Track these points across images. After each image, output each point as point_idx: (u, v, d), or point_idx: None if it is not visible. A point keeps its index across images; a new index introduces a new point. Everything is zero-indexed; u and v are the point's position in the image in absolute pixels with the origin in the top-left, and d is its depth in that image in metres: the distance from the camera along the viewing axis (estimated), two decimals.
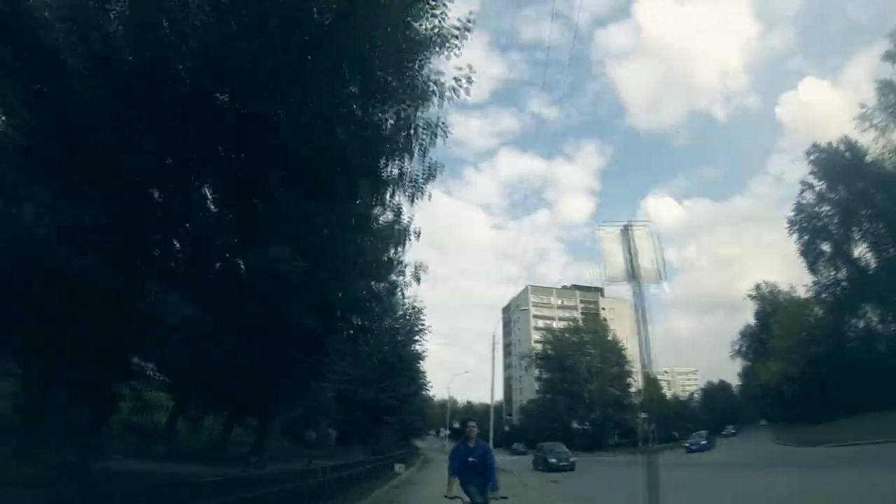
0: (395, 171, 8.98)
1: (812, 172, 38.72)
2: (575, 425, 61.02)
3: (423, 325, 33.92)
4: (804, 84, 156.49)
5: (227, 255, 7.90)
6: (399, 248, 11.12)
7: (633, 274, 5.65)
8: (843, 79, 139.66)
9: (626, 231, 5.84)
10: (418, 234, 10.47)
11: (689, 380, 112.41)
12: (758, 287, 60.09)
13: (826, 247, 40.11)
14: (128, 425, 14.22)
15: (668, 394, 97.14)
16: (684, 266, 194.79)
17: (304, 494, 11.09)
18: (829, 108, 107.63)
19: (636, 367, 78.70)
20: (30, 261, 5.64)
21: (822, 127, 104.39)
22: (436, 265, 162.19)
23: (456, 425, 73.98)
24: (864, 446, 22.74)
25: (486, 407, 59.14)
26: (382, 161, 8.48)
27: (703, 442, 41.91)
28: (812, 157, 38.29)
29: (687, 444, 42.81)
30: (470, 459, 6.86)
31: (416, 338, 34.27)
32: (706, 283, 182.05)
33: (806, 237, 40.61)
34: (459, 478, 6.80)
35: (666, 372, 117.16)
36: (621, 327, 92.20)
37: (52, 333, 6.21)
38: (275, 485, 10.08)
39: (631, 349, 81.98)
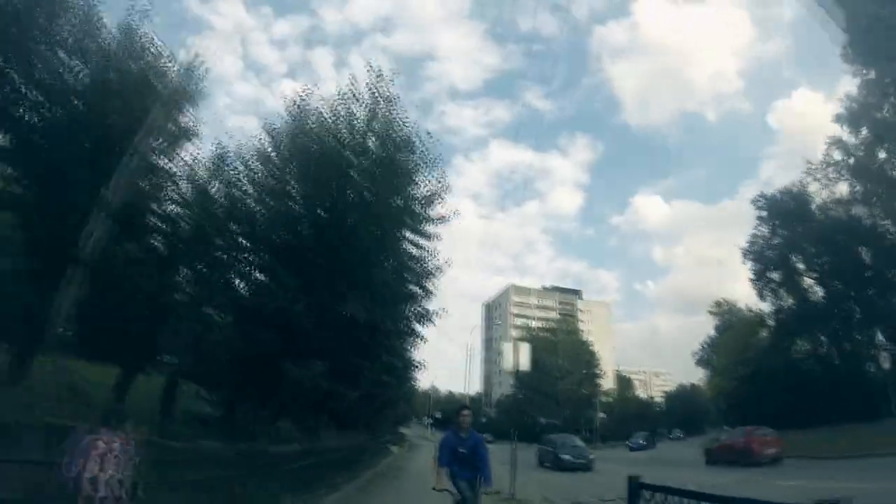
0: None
1: (760, 217, 43.70)
2: (542, 421, 65.78)
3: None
4: (798, 94, 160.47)
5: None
6: None
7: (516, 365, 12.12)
8: (837, 93, 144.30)
9: (514, 343, 12.46)
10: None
11: (664, 381, 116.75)
12: (718, 304, 65.05)
13: (775, 276, 45.28)
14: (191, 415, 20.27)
15: (644, 394, 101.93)
16: (670, 266, 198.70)
17: (350, 460, 18.18)
18: (821, 121, 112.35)
19: (607, 367, 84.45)
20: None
21: (813, 137, 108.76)
22: None
23: (438, 415, 79.02)
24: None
25: (466, 399, 64.05)
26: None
27: (643, 442, 47.83)
28: (759, 204, 43.28)
29: (629, 444, 48.52)
30: (460, 451, 6.59)
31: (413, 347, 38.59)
32: (692, 284, 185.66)
33: (759, 266, 45.73)
34: (448, 469, 6.60)
35: (643, 372, 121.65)
36: (597, 328, 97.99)
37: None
38: (335, 453, 16.97)
39: (603, 350, 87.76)
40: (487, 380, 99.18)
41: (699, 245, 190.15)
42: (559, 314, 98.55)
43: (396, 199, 12.40)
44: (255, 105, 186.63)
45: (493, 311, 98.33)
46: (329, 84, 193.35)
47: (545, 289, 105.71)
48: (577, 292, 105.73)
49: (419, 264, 14.20)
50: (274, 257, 11.88)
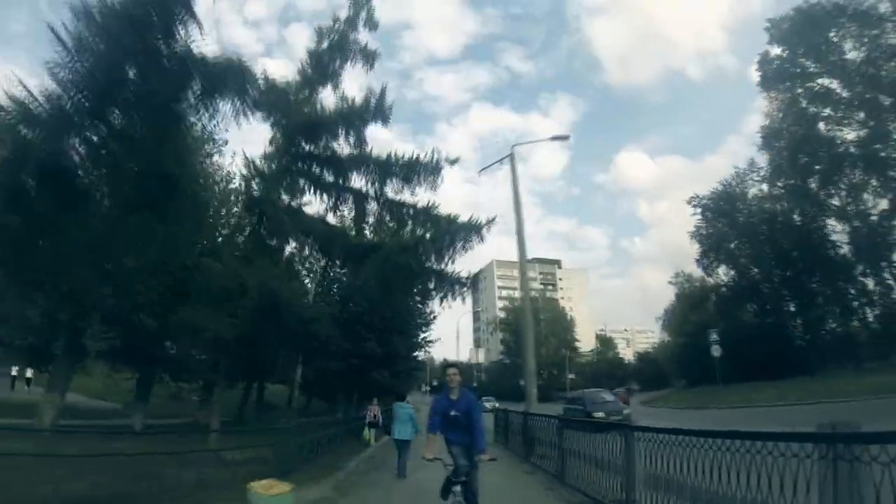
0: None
1: (696, 213, 51.87)
2: (522, 383, 74.42)
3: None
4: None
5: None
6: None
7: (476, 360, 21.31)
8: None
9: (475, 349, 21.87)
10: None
11: (646, 338, 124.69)
12: (676, 275, 73.56)
13: (715, 256, 53.74)
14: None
15: (629, 351, 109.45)
16: (656, 221, 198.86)
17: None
18: None
19: (586, 329, 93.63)
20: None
21: None
22: None
23: (434, 383, 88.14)
24: (671, 409, 36.42)
25: (460, 365, 72.57)
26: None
27: None
28: (695, 202, 51.30)
29: None
30: (452, 413, 6.01)
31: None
32: (678, 239, 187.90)
33: (702, 248, 54.11)
34: (443, 437, 6.14)
35: (626, 330, 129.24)
36: (576, 294, 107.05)
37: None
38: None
39: (581, 314, 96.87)
40: (477, 346, 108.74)
41: (684, 200, 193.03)
42: (541, 283, 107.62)
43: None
44: None
45: (480, 284, 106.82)
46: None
47: (527, 260, 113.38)
48: (556, 262, 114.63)
49: (424, 317, 26.40)
50: (362, 327, 20.77)
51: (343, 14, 15.29)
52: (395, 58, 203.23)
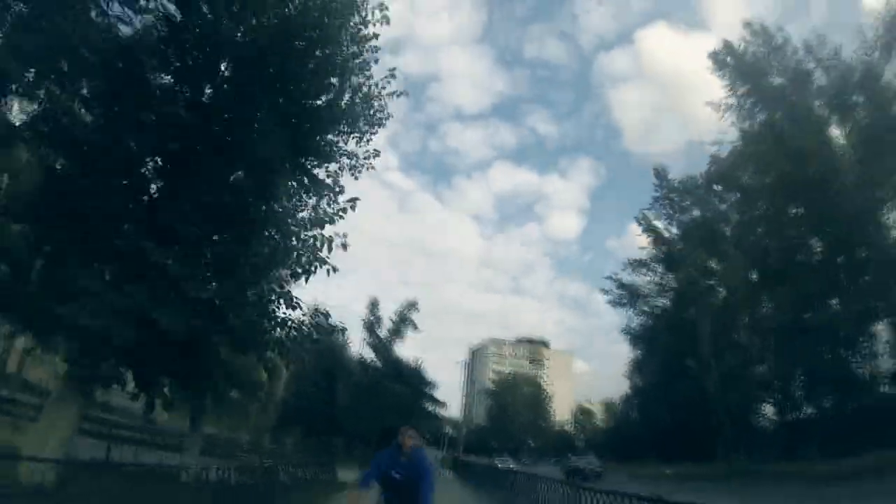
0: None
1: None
2: (494, 445, 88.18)
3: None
4: None
5: None
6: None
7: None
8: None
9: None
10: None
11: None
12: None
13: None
14: None
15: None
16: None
17: None
18: None
19: (565, 403, 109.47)
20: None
21: None
22: (421, 270, 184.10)
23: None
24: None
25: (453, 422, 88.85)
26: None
27: (526, 461, 73.53)
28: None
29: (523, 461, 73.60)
30: (394, 474, 5.23)
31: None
32: None
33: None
34: (383, 495, 5.37)
35: (611, 399, 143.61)
36: (558, 373, 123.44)
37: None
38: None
39: (562, 389, 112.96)
40: (468, 409, 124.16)
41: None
42: (528, 361, 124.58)
43: None
44: None
45: (477, 357, 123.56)
46: None
47: (518, 340, 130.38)
48: (544, 343, 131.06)
49: None
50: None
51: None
52: (421, 109, 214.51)
